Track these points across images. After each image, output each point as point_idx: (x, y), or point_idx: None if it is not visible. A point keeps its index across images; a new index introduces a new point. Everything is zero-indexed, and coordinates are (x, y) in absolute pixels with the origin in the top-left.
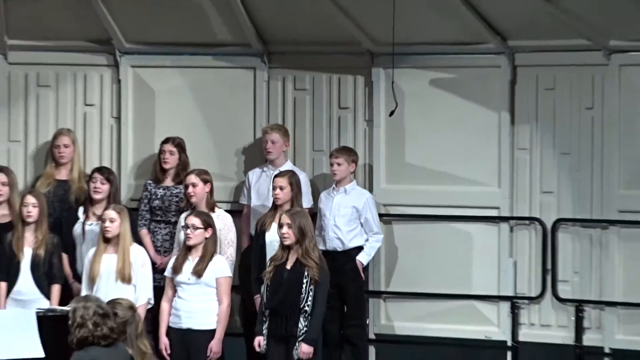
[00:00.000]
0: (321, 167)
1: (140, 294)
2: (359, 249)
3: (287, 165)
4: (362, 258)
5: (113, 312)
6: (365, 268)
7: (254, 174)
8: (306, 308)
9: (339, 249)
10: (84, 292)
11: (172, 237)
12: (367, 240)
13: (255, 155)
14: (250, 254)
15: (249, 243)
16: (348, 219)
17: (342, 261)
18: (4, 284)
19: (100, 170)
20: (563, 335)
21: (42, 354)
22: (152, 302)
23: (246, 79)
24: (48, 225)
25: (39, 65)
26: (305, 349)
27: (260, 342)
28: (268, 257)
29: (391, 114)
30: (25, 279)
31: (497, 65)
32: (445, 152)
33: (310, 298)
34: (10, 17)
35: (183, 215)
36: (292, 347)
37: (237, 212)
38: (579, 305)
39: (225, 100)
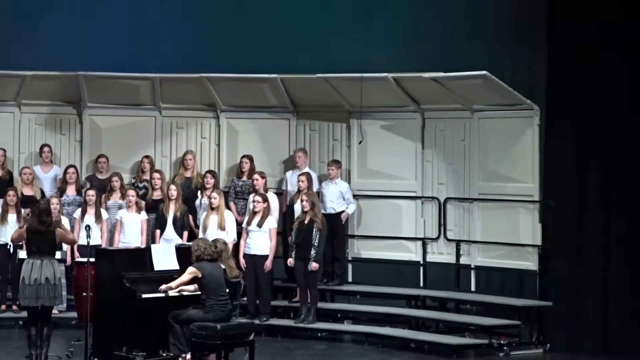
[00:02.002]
0: (323, 170)
1: (229, 236)
2: (342, 212)
3: (306, 169)
4: (349, 210)
5: (215, 245)
6: (346, 222)
7: (289, 174)
8: (314, 243)
9: (332, 212)
10: (200, 236)
11: (246, 206)
12: (347, 206)
13: (290, 164)
14: (286, 215)
15: (286, 209)
16: (336, 197)
17: (333, 218)
18: (158, 231)
19: (209, 172)
20: (449, 258)
21: (177, 267)
22: (236, 240)
23: (285, 124)
24: (181, 200)
25: (177, 117)
26: (314, 265)
27: (290, 261)
28: (295, 216)
29: (360, 142)
30: (170, 229)
31: (414, 118)
32: (387, 162)
33: (317, 238)
34: (163, 92)
35: (252, 195)
36: (307, 263)
37: (279, 193)
38: (457, 242)
39: (274, 135)
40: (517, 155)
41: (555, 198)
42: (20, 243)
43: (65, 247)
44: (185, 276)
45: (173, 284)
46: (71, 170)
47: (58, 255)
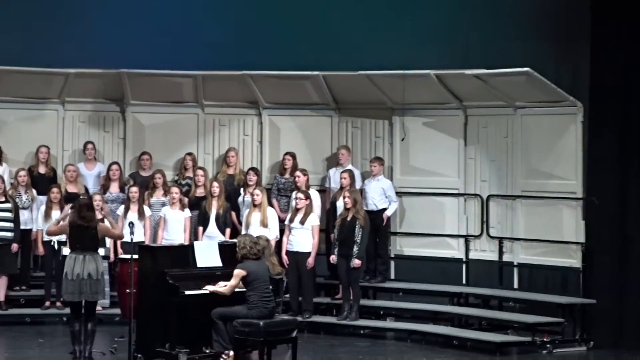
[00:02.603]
0: (366, 167)
1: (271, 233)
2: (384, 209)
3: (349, 167)
4: (388, 212)
5: (258, 242)
6: (388, 219)
7: (332, 171)
8: (357, 240)
9: (374, 209)
10: (243, 232)
11: (289, 203)
12: (389, 204)
13: (333, 161)
14: (329, 212)
15: (329, 207)
16: (379, 194)
17: (375, 216)
18: (201, 228)
19: (252, 169)
20: (492, 256)
21: (220, 264)
22: (278, 237)
23: (327, 122)
24: (224, 197)
25: (219, 114)
26: (356, 262)
27: (333, 258)
28: (338, 213)
29: (402, 139)
30: (212, 226)
31: (456, 115)
32: (430, 159)
33: (359, 235)
34: (205, 89)
35: (294, 193)
36: (350, 260)
37: (322, 191)
38: (500, 239)
39: (317, 132)
40: (560, 152)
41: (598, 195)
42: (57, 239)
43: (108, 243)
44: (234, 280)
45: (225, 290)
46: (114, 167)
47: (102, 252)
